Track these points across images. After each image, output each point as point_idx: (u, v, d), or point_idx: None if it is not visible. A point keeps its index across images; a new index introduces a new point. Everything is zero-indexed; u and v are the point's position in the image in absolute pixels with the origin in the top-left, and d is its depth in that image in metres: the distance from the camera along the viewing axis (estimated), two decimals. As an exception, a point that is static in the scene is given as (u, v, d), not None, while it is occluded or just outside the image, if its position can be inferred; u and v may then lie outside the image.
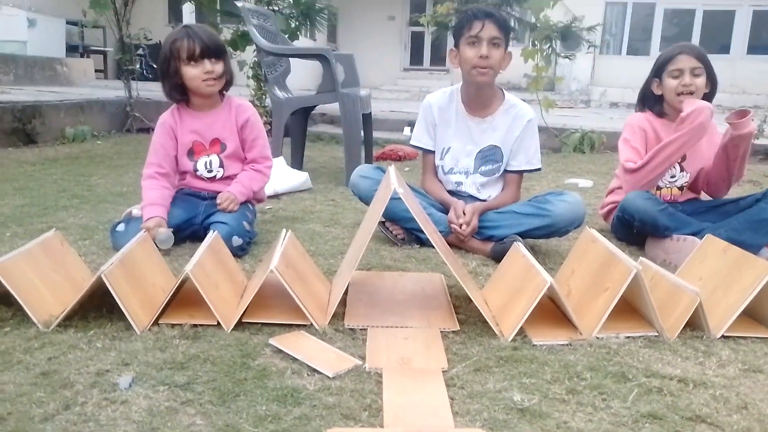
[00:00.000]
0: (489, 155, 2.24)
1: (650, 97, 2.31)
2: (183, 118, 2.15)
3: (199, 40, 2.01)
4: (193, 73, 2.03)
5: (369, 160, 3.81)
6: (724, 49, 12.33)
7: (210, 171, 2.17)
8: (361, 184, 2.24)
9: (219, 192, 2.12)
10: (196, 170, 2.16)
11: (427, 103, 2.30)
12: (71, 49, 9.63)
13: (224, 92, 2.19)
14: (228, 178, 2.18)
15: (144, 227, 1.86)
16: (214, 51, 2.04)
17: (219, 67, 2.05)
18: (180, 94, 2.10)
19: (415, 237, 2.17)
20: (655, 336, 1.44)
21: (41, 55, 7.88)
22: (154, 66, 11.10)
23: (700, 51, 2.21)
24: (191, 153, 2.16)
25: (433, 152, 2.31)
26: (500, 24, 2.07)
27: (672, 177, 2.30)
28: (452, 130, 2.26)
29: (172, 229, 1.97)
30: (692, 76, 2.17)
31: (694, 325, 1.48)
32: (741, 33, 12.42)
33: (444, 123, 2.27)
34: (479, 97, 2.22)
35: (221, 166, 2.17)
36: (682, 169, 2.29)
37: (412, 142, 2.36)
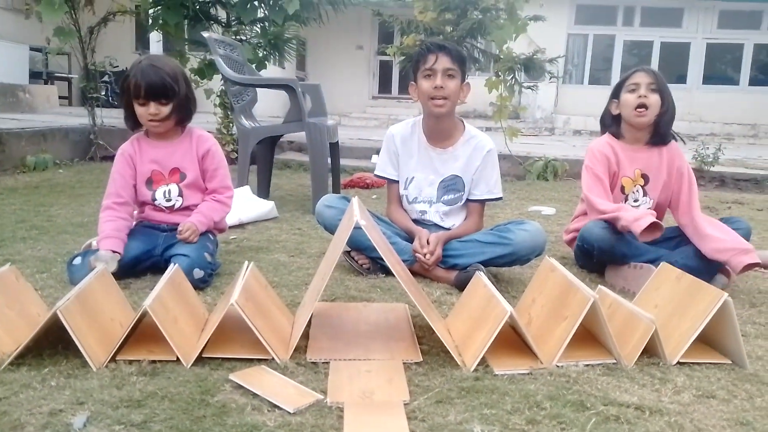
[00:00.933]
0: (451, 185, 2.28)
1: (608, 117, 2.38)
2: (143, 147, 2.14)
3: (146, 82, 1.98)
4: (140, 112, 2.04)
5: (336, 188, 3.83)
6: (681, 79, 12.81)
7: (168, 200, 2.15)
8: (325, 213, 2.24)
9: (178, 224, 2.10)
10: (154, 199, 2.14)
11: (390, 134, 2.34)
12: (35, 76, 9.48)
13: (185, 124, 2.17)
14: (187, 209, 2.16)
15: (104, 265, 1.82)
16: (161, 93, 2.00)
17: (165, 109, 2.03)
18: (134, 124, 2.11)
19: (380, 266, 2.18)
20: (614, 363, 1.47)
21: (3, 82, 7.73)
22: (120, 92, 11.02)
23: (656, 72, 2.28)
24: (150, 182, 2.14)
25: (398, 182, 2.34)
26: (454, 56, 2.13)
27: (635, 201, 2.34)
28: (415, 160, 2.30)
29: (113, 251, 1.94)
30: (648, 90, 2.23)
31: (651, 351, 1.51)
32: (696, 64, 12.93)
33: (407, 153, 2.30)
34: (439, 128, 2.27)
35: (180, 195, 2.15)
36: (645, 194, 2.34)
37: (376, 172, 2.39)
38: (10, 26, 9.34)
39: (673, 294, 1.65)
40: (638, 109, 2.24)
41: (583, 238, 2.24)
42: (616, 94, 2.33)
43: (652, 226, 2.03)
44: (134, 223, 2.18)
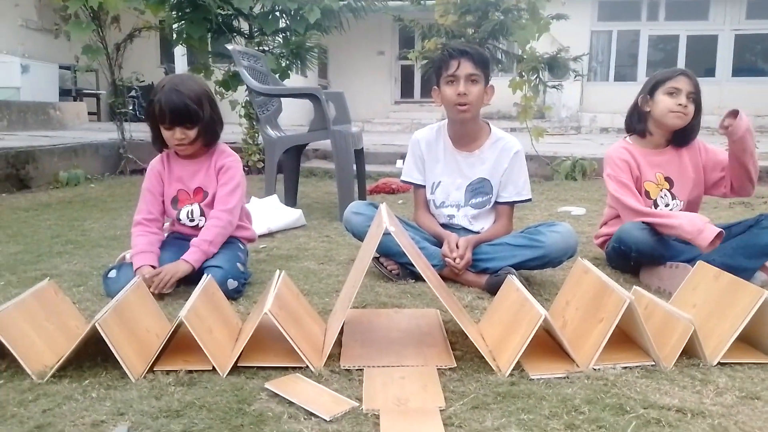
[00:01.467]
0: (478, 188, 2.27)
1: (637, 113, 2.32)
2: (171, 165, 2.17)
3: (169, 108, 1.98)
4: (167, 136, 2.06)
5: (362, 195, 3.84)
6: (710, 72, 12.55)
7: (192, 220, 2.16)
8: (353, 220, 2.25)
9: None
10: (179, 219, 2.17)
11: (415, 139, 2.33)
12: (64, 93, 9.73)
13: (212, 144, 2.16)
14: None
15: (140, 277, 1.85)
16: (185, 119, 2.00)
17: (191, 133, 2.04)
18: (161, 145, 2.12)
19: (410, 272, 2.17)
20: (652, 365, 1.44)
21: (34, 100, 7.95)
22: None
23: (696, 79, 2.24)
24: (175, 201, 2.17)
25: (424, 186, 2.33)
26: (476, 60, 2.11)
27: (666, 206, 2.29)
28: (441, 164, 2.29)
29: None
30: (688, 100, 2.19)
31: (690, 352, 1.48)
32: (725, 56, 12.66)
33: (432, 158, 2.30)
34: (465, 132, 2.26)
35: (202, 214, 2.16)
36: (674, 197, 2.30)
37: (402, 178, 2.39)
38: (41, 46, 9.61)
39: (711, 293, 1.62)
40: (676, 112, 2.20)
41: (620, 240, 2.19)
42: (651, 91, 2.27)
43: (717, 236, 1.97)
44: (165, 234, 2.21)
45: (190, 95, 2.00)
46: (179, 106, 1.98)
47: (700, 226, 2.00)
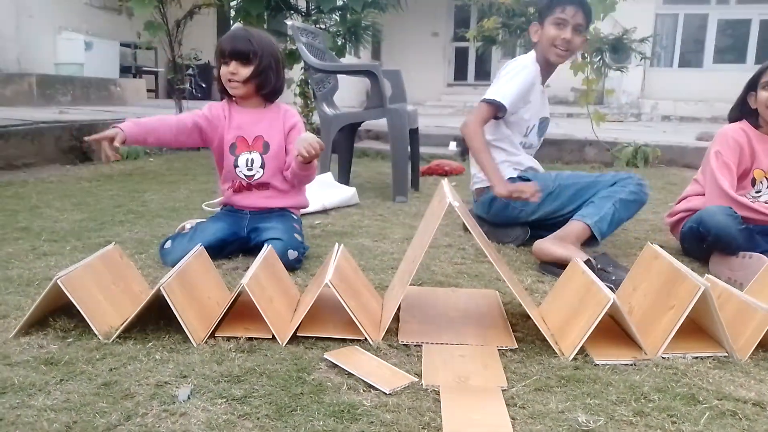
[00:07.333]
0: (543, 125, 2.40)
1: (747, 111, 2.20)
2: (231, 112, 2.16)
3: (230, 42, 2.03)
4: (222, 71, 2.08)
5: (416, 175, 3.80)
6: (783, 59, 11.89)
7: (250, 169, 2.14)
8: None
9: (261, 208, 2.13)
10: (236, 166, 2.14)
11: (533, 67, 2.31)
12: (124, 70, 9.97)
13: (269, 97, 2.17)
14: (266, 186, 2.15)
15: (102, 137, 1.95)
16: (243, 54, 2.02)
17: (244, 71, 2.04)
18: (223, 88, 2.13)
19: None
20: (725, 356, 1.37)
21: (97, 76, 8.18)
22: (203, 86, 11.38)
23: None
24: (233, 147, 2.15)
25: (504, 111, 2.26)
26: (586, 13, 2.23)
27: (757, 192, 2.19)
28: (537, 100, 2.34)
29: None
30: None
31: (766, 345, 1.40)
32: (800, 42, 11.96)
33: (535, 92, 2.34)
34: (548, 72, 2.38)
35: (262, 166, 2.14)
36: None
37: (493, 97, 2.23)
38: (103, 24, 9.85)
39: (792, 284, 1.52)
40: None
41: (700, 221, 2.09)
42: (752, 86, 2.16)
43: None
44: (219, 208, 2.23)
45: (255, 36, 2.05)
46: (239, 39, 2.03)
47: None
